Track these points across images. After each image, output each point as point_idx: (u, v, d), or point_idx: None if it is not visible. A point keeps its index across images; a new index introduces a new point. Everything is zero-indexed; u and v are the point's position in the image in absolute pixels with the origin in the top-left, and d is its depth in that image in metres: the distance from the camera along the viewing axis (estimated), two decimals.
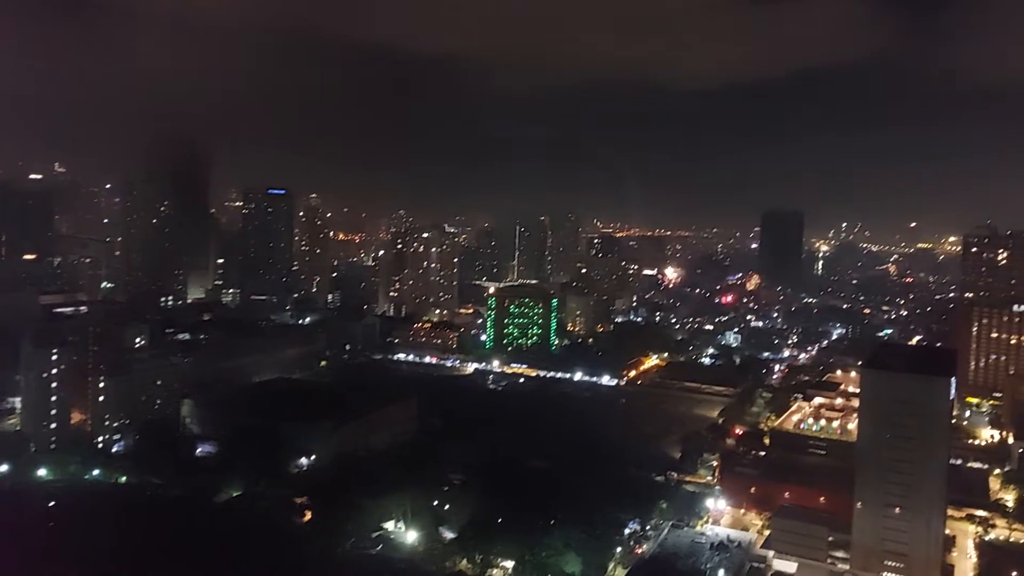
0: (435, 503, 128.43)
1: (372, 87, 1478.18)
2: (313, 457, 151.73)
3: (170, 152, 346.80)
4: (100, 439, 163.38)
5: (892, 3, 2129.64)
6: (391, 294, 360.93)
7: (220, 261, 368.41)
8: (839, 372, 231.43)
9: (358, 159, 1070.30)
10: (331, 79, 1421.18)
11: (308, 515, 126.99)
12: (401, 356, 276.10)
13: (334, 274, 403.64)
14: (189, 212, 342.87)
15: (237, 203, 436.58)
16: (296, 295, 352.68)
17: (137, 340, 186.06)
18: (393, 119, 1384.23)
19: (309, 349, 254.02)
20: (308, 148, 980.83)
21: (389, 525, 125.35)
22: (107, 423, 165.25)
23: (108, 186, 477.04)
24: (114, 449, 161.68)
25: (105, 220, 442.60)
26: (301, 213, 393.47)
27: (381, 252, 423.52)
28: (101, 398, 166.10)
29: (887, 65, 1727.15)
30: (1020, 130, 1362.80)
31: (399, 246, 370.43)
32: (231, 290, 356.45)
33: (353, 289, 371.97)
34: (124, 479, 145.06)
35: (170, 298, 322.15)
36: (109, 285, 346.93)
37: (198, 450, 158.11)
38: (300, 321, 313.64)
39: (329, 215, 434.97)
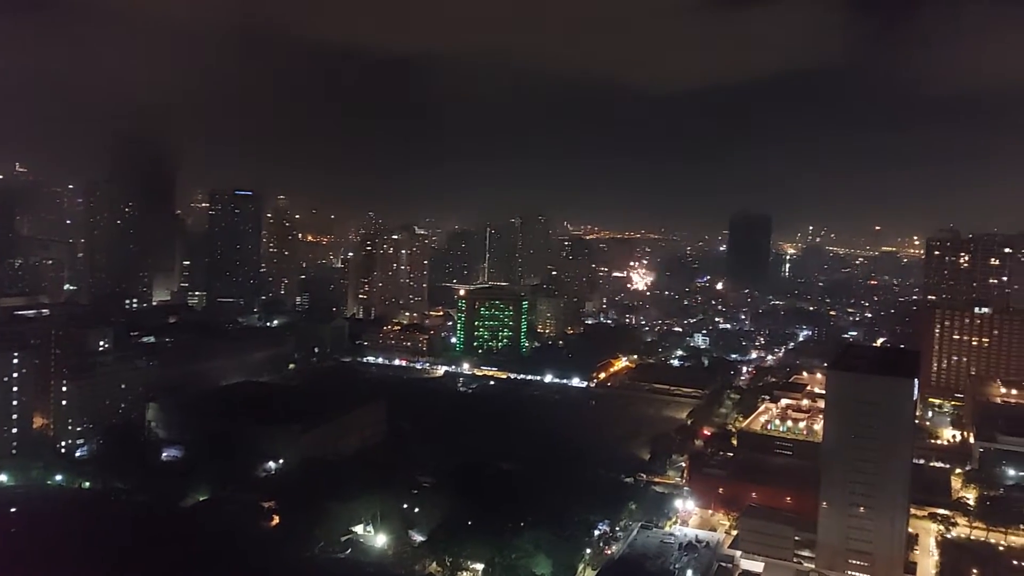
0: (404, 506, 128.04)
1: (340, 88, 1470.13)
2: (281, 461, 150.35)
3: (135, 152, 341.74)
4: (63, 444, 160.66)
5: (857, 11, 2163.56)
6: (360, 296, 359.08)
7: (186, 263, 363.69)
8: (805, 373, 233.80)
9: (327, 160, 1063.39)
10: (299, 79, 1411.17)
11: (276, 519, 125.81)
12: (370, 359, 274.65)
13: (302, 276, 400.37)
14: (154, 213, 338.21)
15: (203, 204, 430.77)
16: (264, 297, 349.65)
17: (101, 343, 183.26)
18: (362, 120, 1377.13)
19: (277, 352, 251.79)
20: (276, 149, 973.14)
21: (358, 529, 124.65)
22: (70, 427, 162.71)
23: (71, 186, 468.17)
24: (77, 454, 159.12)
25: (68, 221, 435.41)
26: (269, 215, 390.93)
27: (350, 254, 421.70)
28: (64, 402, 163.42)
29: (853, 71, 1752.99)
30: (982, 136, 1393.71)
31: (368, 248, 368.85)
32: (197, 292, 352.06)
33: (322, 291, 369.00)
34: (88, 484, 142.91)
35: (135, 300, 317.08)
36: (72, 287, 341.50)
37: (164, 454, 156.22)
38: (268, 324, 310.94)
39: (297, 217, 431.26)
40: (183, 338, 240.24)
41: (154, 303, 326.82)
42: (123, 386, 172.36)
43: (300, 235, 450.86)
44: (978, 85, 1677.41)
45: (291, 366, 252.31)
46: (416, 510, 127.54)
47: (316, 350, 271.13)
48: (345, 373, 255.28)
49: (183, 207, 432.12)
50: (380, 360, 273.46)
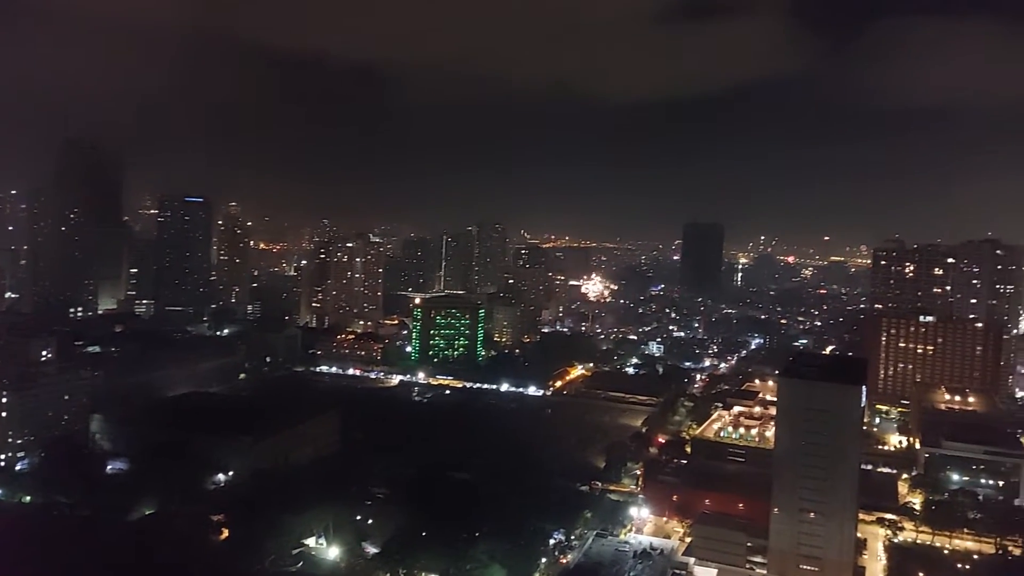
0: (358, 518, 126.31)
1: (294, 94, 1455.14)
2: (231, 473, 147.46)
3: (80, 156, 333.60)
4: (3, 457, 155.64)
5: (810, 26, 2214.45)
6: (314, 305, 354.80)
7: (134, 271, 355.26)
8: (757, 381, 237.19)
9: (281, 167, 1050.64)
10: (253, 85, 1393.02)
11: (225, 532, 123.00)
12: (324, 368, 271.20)
13: (254, 284, 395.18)
14: (100, 219, 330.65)
15: (152, 211, 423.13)
16: (214, 306, 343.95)
17: (44, 353, 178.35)
18: (317, 127, 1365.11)
19: (227, 361, 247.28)
20: (229, 155, 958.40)
21: (310, 541, 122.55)
22: (10, 440, 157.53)
23: (13, 192, 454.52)
24: (18, 467, 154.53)
25: (10, 228, 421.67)
26: (220, 222, 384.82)
27: (304, 262, 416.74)
28: (4, 414, 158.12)
29: (806, 84, 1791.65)
30: (927, 149, 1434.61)
31: (322, 256, 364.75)
32: (145, 301, 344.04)
33: (274, 300, 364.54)
34: (29, 499, 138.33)
35: (79, 309, 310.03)
36: (14, 296, 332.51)
37: (108, 467, 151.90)
38: (218, 333, 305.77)
39: (249, 224, 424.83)
40: (129, 348, 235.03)
41: (100, 312, 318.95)
42: (66, 397, 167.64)
43: (252, 242, 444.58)
44: (925, 101, 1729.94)
45: (242, 376, 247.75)
46: (370, 521, 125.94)
47: (268, 359, 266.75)
48: (298, 383, 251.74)
49: (131, 213, 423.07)
50: (334, 369, 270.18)
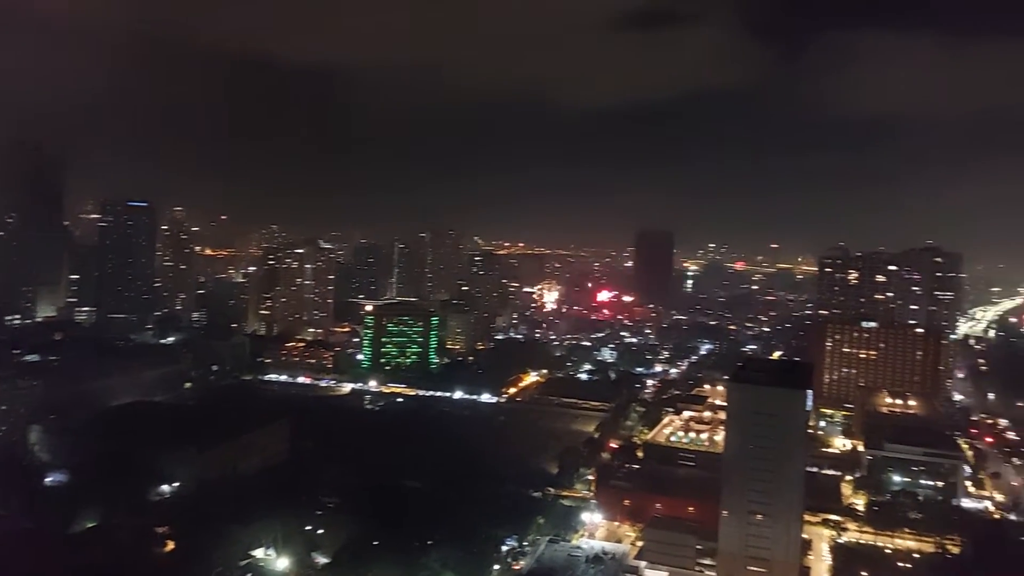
0: (308, 528, 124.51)
1: (243, 96, 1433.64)
2: (176, 484, 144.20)
3: (19, 159, 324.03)
4: None
5: (760, 39, 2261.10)
6: (262, 312, 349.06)
7: (74, 277, 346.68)
8: (707, 386, 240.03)
9: (228, 171, 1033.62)
10: (202, 87, 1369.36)
11: (171, 545, 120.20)
12: (273, 376, 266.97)
13: (200, 291, 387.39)
14: (39, 224, 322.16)
15: (94, 215, 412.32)
16: (158, 313, 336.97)
17: None
18: (266, 130, 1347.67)
19: (172, 370, 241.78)
20: (175, 159, 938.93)
21: (258, 552, 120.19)
22: None
23: None
24: None
25: None
26: (164, 227, 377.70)
27: (252, 268, 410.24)
28: None
29: (753, 95, 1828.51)
30: (870, 159, 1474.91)
31: (271, 262, 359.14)
32: (86, 308, 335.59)
33: (221, 307, 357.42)
34: None
35: (17, 317, 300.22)
36: None
37: (48, 479, 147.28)
38: (163, 341, 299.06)
39: (195, 229, 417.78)
40: (70, 356, 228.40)
41: (38, 319, 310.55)
42: (3, 408, 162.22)
43: (198, 248, 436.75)
44: (869, 112, 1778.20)
45: (188, 385, 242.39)
46: (320, 531, 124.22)
47: (215, 368, 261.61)
48: (245, 391, 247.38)
49: (71, 218, 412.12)
50: (283, 378, 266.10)
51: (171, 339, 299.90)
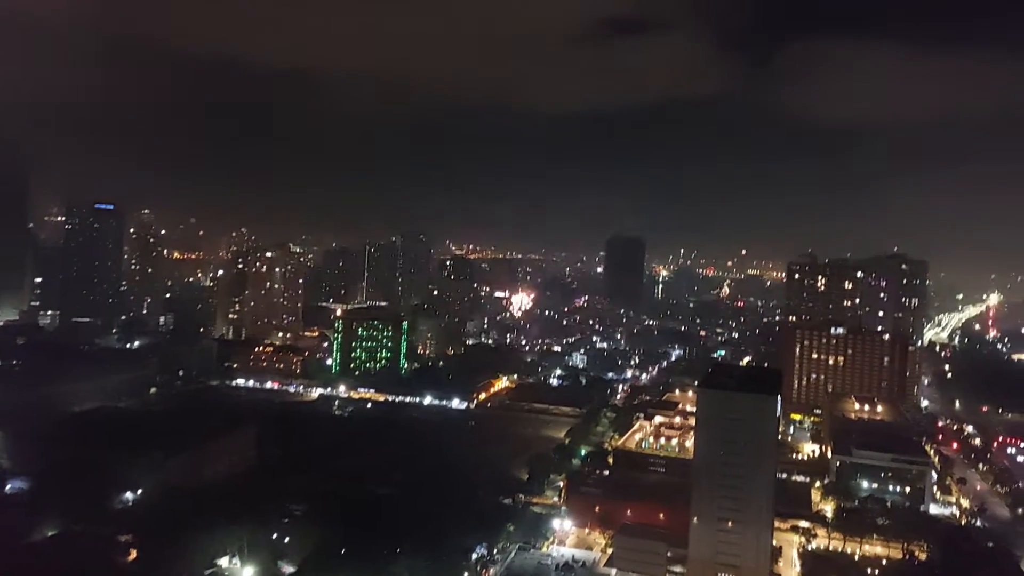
0: (274, 536, 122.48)
1: (213, 99, 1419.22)
2: (140, 491, 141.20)
3: None
4: None
5: (730, 47, 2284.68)
6: (231, 316, 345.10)
7: (38, 280, 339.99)
8: (677, 391, 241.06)
9: (197, 174, 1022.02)
10: (171, 89, 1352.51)
11: (133, 553, 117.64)
12: (241, 382, 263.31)
13: (167, 295, 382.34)
14: (3, 227, 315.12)
15: (59, 217, 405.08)
16: (124, 317, 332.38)
17: None
18: (236, 133, 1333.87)
19: (138, 375, 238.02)
20: (142, 161, 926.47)
21: (223, 561, 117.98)
22: None
23: None
24: None
25: None
26: (131, 229, 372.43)
27: (220, 272, 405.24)
28: None
29: (722, 103, 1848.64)
30: (839, 167, 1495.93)
31: (240, 266, 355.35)
32: (50, 312, 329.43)
33: (188, 311, 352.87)
34: None
35: None
36: None
37: (8, 487, 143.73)
38: (128, 345, 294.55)
39: (163, 232, 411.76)
40: (32, 361, 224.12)
41: (0, 323, 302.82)
42: None
43: (165, 252, 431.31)
44: (837, 120, 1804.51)
45: (153, 390, 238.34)
46: (287, 539, 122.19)
47: (181, 373, 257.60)
48: (212, 397, 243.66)
49: (36, 220, 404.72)
50: (251, 383, 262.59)
51: (137, 343, 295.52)
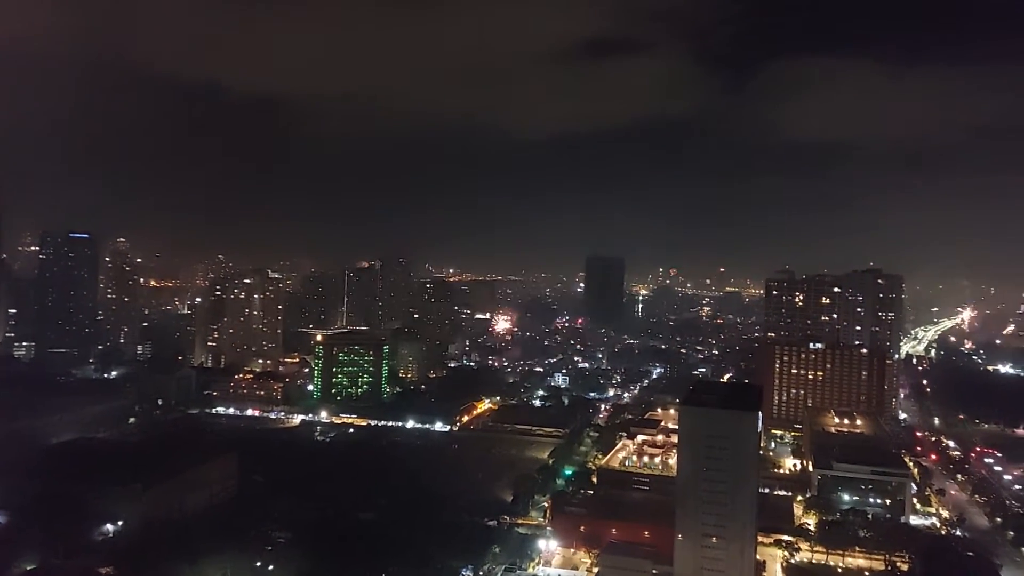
0: (258, 564, 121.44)
1: (189, 125, 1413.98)
2: (120, 523, 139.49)
3: None
4: None
5: (709, 66, 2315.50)
6: (209, 344, 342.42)
7: (12, 311, 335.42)
8: (659, 410, 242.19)
9: (173, 201, 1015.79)
10: (144, 116, 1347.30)
11: None
12: (221, 409, 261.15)
13: (145, 324, 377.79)
14: None
15: (33, 247, 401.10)
16: (101, 347, 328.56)
17: None
18: (212, 159, 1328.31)
19: (116, 405, 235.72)
20: (117, 189, 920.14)
21: None
22: None
23: None
24: None
25: None
26: (107, 258, 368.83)
27: (198, 299, 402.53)
28: None
29: (701, 122, 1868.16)
30: (815, 184, 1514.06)
31: (218, 292, 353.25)
32: (25, 343, 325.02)
33: (166, 339, 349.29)
34: None
35: None
36: None
37: None
38: (106, 375, 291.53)
39: (139, 260, 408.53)
40: (7, 393, 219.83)
41: None
42: None
43: (142, 280, 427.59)
44: (814, 138, 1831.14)
45: (132, 420, 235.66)
46: (271, 567, 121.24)
47: (160, 402, 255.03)
48: (192, 425, 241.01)
49: (9, 250, 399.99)
50: (231, 411, 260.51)
51: (114, 373, 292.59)
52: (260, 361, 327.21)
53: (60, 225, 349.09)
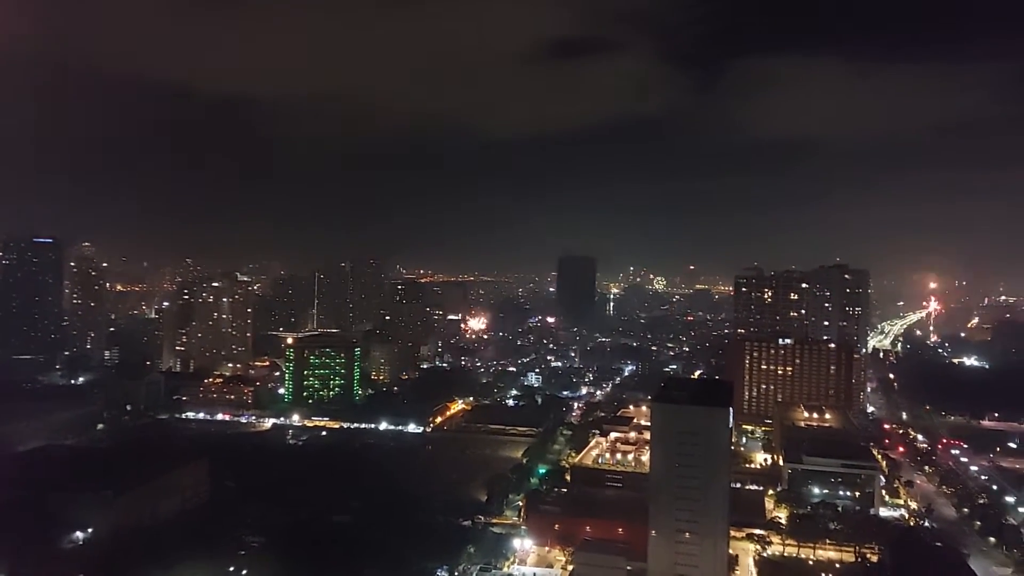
0: (231, 569, 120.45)
1: (154, 127, 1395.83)
2: (90, 530, 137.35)
3: None
4: None
5: (676, 66, 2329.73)
6: (178, 348, 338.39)
7: None
8: (632, 407, 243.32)
9: (139, 204, 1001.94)
10: (108, 118, 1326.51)
11: None
12: (191, 414, 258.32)
13: (111, 329, 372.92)
14: None
15: None
16: (67, 353, 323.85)
17: None
18: (177, 162, 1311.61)
19: (83, 412, 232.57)
20: (81, 193, 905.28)
21: None
22: None
23: None
24: None
25: None
26: (72, 263, 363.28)
27: (165, 303, 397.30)
28: None
29: (669, 121, 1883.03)
30: (781, 182, 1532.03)
31: (186, 296, 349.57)
32: None
33: (134, 344, 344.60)
34: None
35: None
36: None
37: None
38: (72, 381, 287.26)
39: (104, 265, 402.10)
40: None
41: None
42: None
43: (108, 284, 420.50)
44: (780, 136, 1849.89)
45: (100, 426, 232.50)
46: (244, 572, 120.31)
47: (128, 408, 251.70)
48: (162, 431, 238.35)
49: None
50: (201, 415, 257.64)
51: (81, 379, 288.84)
52: (230, 365, 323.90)
53: (23, 230, 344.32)
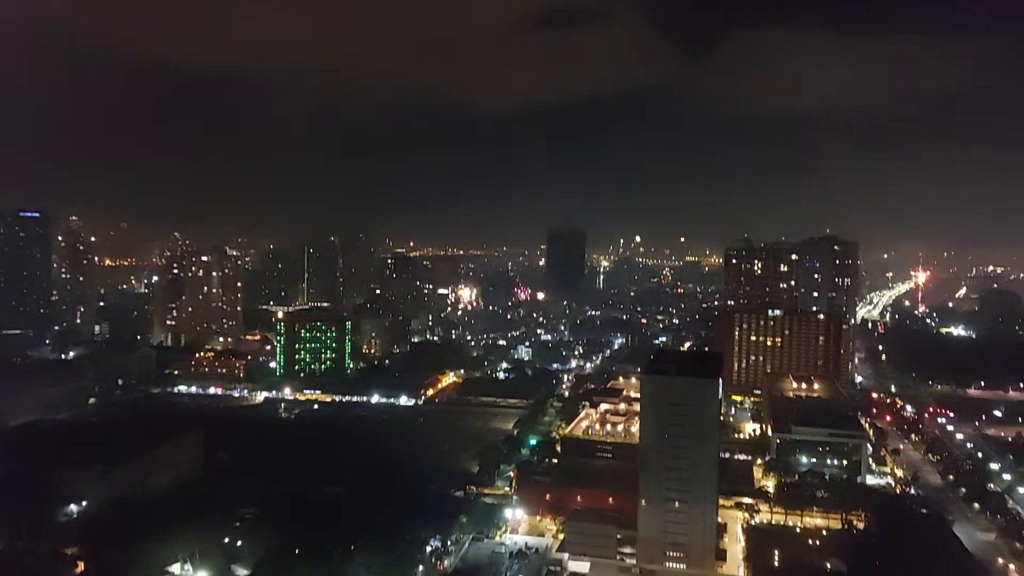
0: (226, 540, 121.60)
1: (141, 99, 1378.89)
2: (84, 503, 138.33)
3: None
4: None
5: (668, 37, 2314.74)
6: (168, 322, 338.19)
7: None
8: (621, 379, 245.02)
9: (127, 178, 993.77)
10: (95, 89, 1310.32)
11: (81, 566, 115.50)
12: (183, 388, 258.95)
13: (101, 303, 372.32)
14: None
15: None
16: (57, 327, 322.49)
17: None
18: (165, 134, 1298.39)
19: (75, 386, 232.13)
20: (69, 166, 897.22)
21: (175, 568, 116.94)
22: None
23: None
24: None
25: None
26: (60, 237, 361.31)
27: (155, 278, 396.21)
28: None
29: (661, 93, 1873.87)
30: (773, 154, 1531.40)
31: (175, 271, 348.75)
32: None
33: (124, 319, 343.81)
34: None
35: None
36: None
37: None
38: (63, 356, 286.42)
39: (93, 239, 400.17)
40: None
41: None
42: None
43: (97, 259, 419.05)
44: (773, 108, 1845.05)
45: (92, 401, 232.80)
46: (239, 543, 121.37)
47: (120, 382, 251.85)
48: (154, 405, 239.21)
49: None
50: (193, 389, 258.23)
51: (72, 354, 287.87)
52: (221, 339, 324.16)
53: (9, 204, 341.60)
